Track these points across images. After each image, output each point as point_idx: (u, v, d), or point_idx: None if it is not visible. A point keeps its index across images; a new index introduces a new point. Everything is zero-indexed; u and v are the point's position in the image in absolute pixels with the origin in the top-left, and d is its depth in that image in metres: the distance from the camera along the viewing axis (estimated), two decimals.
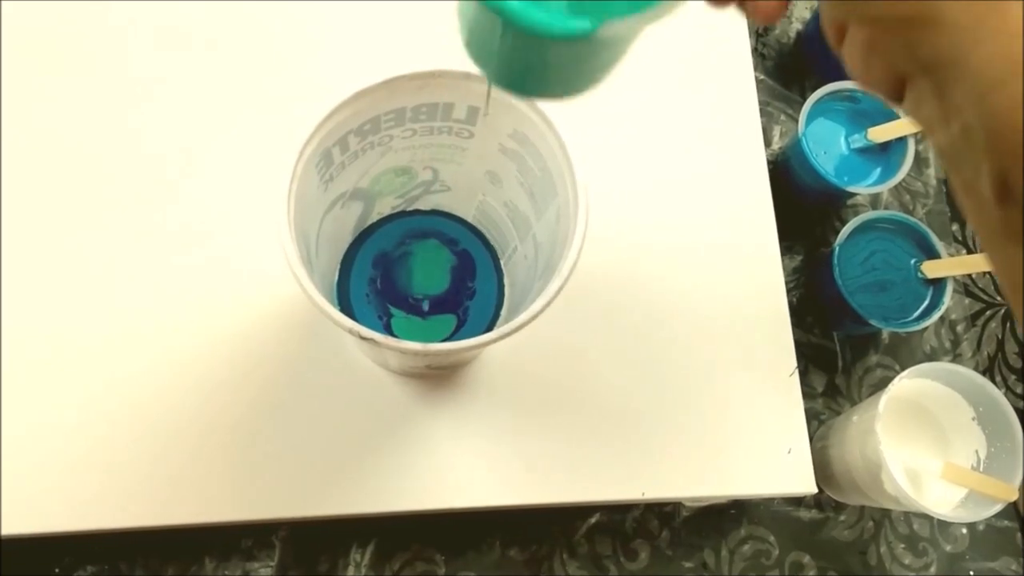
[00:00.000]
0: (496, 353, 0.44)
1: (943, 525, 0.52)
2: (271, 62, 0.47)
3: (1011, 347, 0.56)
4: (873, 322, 0.48)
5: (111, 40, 0.47)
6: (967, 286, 0.57)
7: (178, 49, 0.47)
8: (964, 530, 0.52)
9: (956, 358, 0.55)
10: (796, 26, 0.60)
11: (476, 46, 0.24)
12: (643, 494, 0.43)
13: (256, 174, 0.44)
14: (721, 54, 0.52)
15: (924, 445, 0.46)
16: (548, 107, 0.34)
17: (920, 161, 0.59)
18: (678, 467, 0.44)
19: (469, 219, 0.45)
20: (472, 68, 0.33)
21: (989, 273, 0.57)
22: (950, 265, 0.49)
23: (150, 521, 0.40)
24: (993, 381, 0.45)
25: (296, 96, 0.45)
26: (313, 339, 0.43)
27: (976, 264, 0.49)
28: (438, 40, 0.50)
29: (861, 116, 0.53)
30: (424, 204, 0.45)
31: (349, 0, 0.49)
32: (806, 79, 0.59)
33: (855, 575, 0.50)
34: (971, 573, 0.51)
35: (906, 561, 0.51)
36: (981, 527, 0.52)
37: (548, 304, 0.31)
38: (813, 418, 0.52)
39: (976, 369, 0.53)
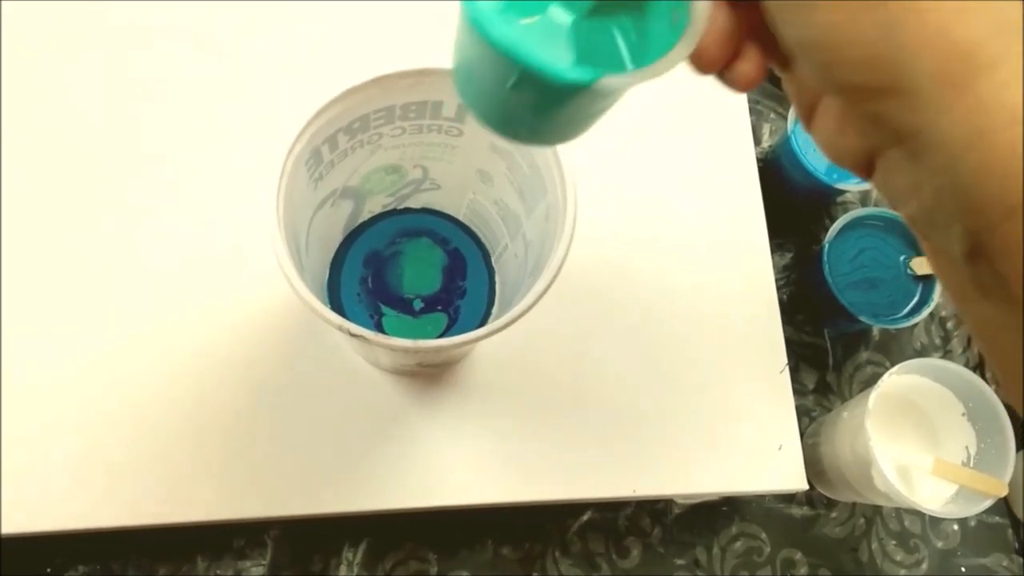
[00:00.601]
0: (487, 351, 0.44)
1: (934, 521, 0.52)
2: (263, 61, 0.47)
3: None
4: (863, 319, 0.49)
5: (106, 40, 0.47)
6: None
7: (171, 49, 0.47)
8: (955, 526, 0.52)
9: (946, 354, 0.55)
10: None
11: (473, 86, 0.24)
12: (634, 491, 0.43)
13: (247, 173, 0.44)
14: None
15: (914, 441, 0.47)
16: None
17: None
18: (669, 464, 0.44)
19: (460, 217, 0.46)
20: None
21: None
22: None
23: (141, 520, 0.39)
24: (983, 377, 0.45)
25: (286, 94, 0.45)
26: (305, 338, 0.43)
27: None
28: (427, 38, 0.50)
29: None
30: (415, 202, 0.45)
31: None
32: None
33: (847, 572, 0.50)
34: (963, 569, 0.51)
35: (897, 558, 0.51)
36: (972, 523, 0.52)
37: (537, 300, 0.31)
38: (804, 415, 0.52)
39: (966, 365, 0.53)
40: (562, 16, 0.22)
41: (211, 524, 0.41)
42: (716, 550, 0.49)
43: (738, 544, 0.49)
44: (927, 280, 0.50)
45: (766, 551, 0.50)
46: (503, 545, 0.47)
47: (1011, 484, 0.43)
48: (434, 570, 0.46)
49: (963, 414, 0.45)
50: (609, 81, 0.21)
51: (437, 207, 0.45)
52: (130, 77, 0.46)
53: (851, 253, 0.51)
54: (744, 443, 0.44)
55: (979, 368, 0.55)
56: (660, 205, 0.48)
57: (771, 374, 0.46)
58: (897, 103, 0.19)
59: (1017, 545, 0.52)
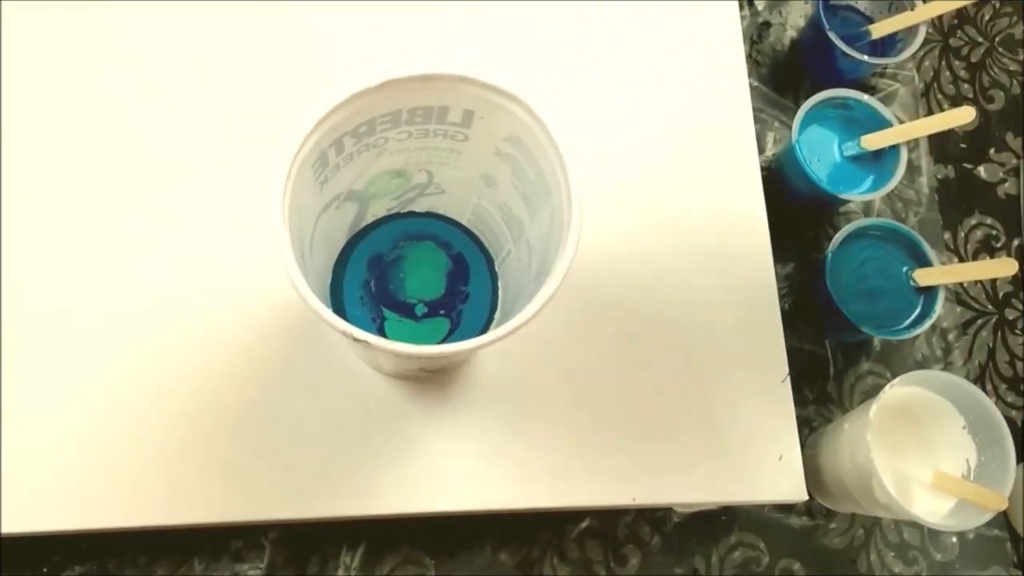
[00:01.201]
0: (489, 356, 0.44)
1: (933, 534, 0.52)
2: (268, 63, 0.47)
3: (1002, 356, 0.56)
4: (865, 329, 0.49)
5: (107, 42, 0.47)
6: (959, 294, 0.57)
7: (173, 51, 0.47)
8: (954, 539, 0.52)
9: (947, 366, 0.55)
10: (791, 33, 0.60)
11: None
12: (634, 499, 0.43)
13: (252, 175, 0.44)
14: (715, 61, 0.52)
15: (914, 453, 0.47)
16: (543, 111, 0.34)
17: (913, 169, 0.59)
18: (669, 472, 0.44)
19: (463, 222, 0.45)
20: (467, 71, 0.33)
21: (981, 282, 0.57)
22: (942, 273, 0.50)
23: (139, 522, 0.39)
24: (984, 390, 0.45)
25: (293, 97, 0.45)
26: (306, 340, 0.42)
27: (968, 272, 0.49)
28: (433, 42, 0.50)
29: (854, 124, 0.53)
30: (419, 206, 0.45)
31: (346, 0, 0.49)
32: (800, 86, 0.59)
33: None
34: None
35: (896, 570, 0.51)
36: (971, 536, 0.52)
37: (540, 309, 0.31)
38: (804, 425, 0.52)
39: (967, 377, 0.53)
40: None
41: (209, 526, 0.41)
42: (715, 559, 0.49)
43: (737, 554, 0.49)
44: (929, 292, 0.50)
45: (765, 561, 0.49)
46: (501, 550, 0.47)
47: (1011, 498, 0.43)
48: (431, 574, 0.46)
49: (964, 427, 0.45)
50: None
51: (441, 211, 0.45)
52: (131, 78, 0.46)
53: (853, 263, 0.51)
54: (744, 452, 0.44)
55: (980, 380, 0.55)
56: (663, 212, 0.48)
57: (772, 383, 0.46)
58: None
59: (1016, 559, 0.52)
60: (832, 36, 0.53)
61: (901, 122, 0.53)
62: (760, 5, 0.61)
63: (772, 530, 0.50)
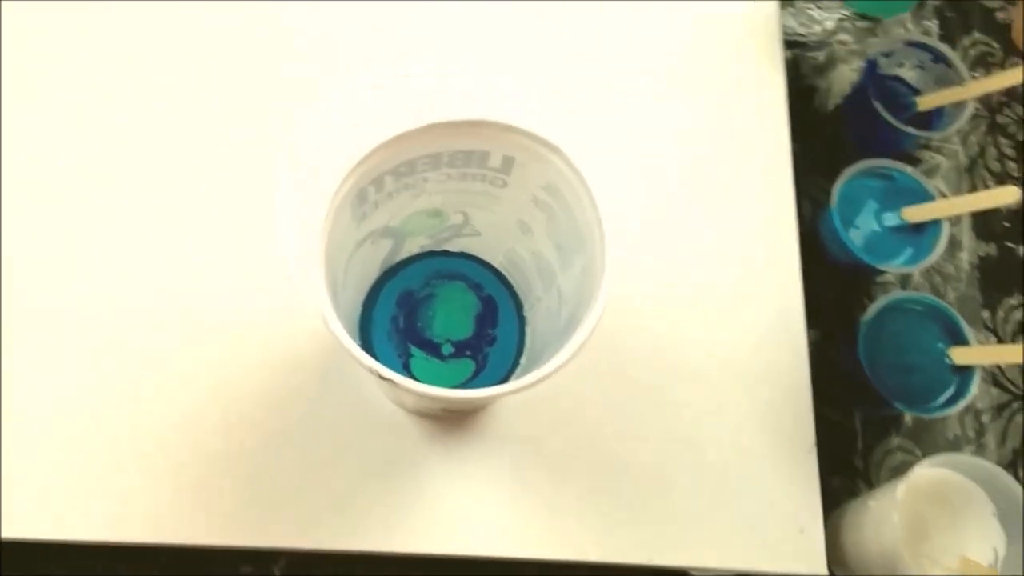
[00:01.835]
0: (511, 401, 0.43)
1: None
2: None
3: None
4: (896, 405, 0.48)
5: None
6: (995, 376, 0.56)
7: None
8: None
9: (979, 448, 0.54)
10: (835, 99, 0.60)
11: None
12: (650, 560, 0.42)
13: (290, 205, 0.45)
14: (758, 122, 0.52)
15: (941, 537, 0.45)
16: (582, 163, 0.34)
17: (954, 244, 0.58)
18: (687, 535, 0.43)
19: (496, 265, 0.46)
20: (510, 120, 0.34)
21: (1019, 365, 0.56)
22: (979, 353, 0.49)
23: (153, 539, 0.40)
24: (1016, 477, 0.44)
25: (336, 131, 0.46)
26: (331, 371, 0.43)
27: (1006, 354, 0.48)
28: (477, 86, 0.51)
29: (895, 194, 0.53)
30: (453, 246, 0.45)
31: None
32: (841, 152, 0.59)
33: None
34: None
35: None
36: None
37: (566, 363, 0.31)
38: (827, 497, 0.51)
39: (999, 463, 0.51)
40: None
41: (220, 548, 0.41)
42: None
43: None
44: (965, 371, 0.49)
45: None
46: None
47: None
48: None
49: (993, 513, 0.44)
50: None
51: (475, 253, 0.46)
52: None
53: (888, 336, 0.50)
54: (765, 521, 0.43)
55: (1012, 467, 0.54)
56: (697, 272, 0.48)
57: (797, 452, 0.45)
58: None
59: None
60: (877, 105, 0.53)
61: (944, 196, 0.52)
62: (805, 69, 0.61)
63: None
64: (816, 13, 0.63)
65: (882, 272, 0.52)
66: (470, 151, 0.35)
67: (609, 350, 0.45)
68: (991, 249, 0.59)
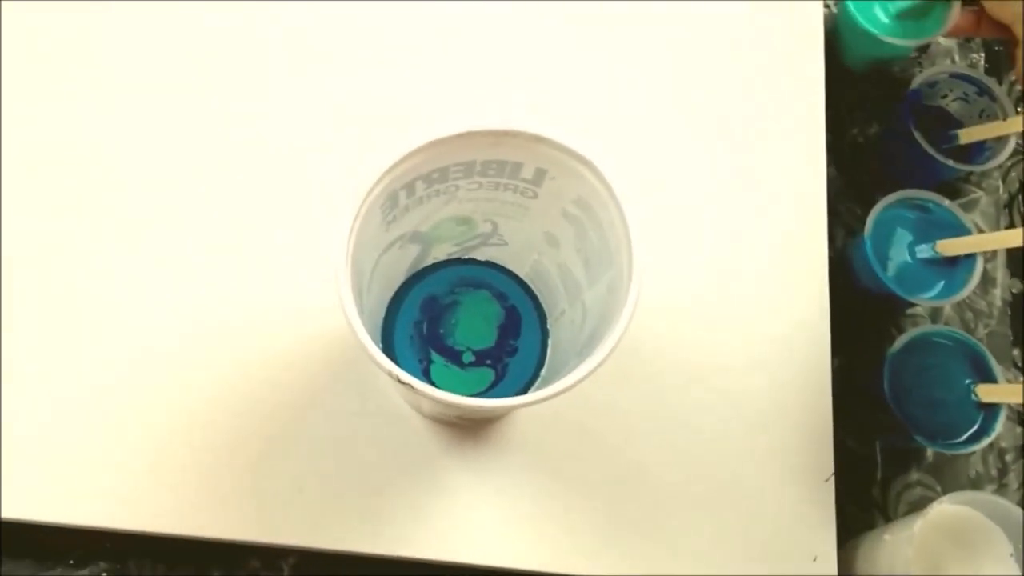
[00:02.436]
0: (529, 413, 0.43)
1: None
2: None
3: None
4: (919, 439, 0.47)
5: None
6: (1021, 415, 0.55)
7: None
8: None
9: (1001, 488, 0.53)
10: (874, 127, 0.60)
11: None
12: None
13: (319, 207, 0.45)
14: (794, 144, 0.52)
15: (956, 574, 0.44)
16: (613, 179, 0.34)
17: (987, 280, 0.57)
18: (699, 556, 0.43)
19: (522, 275, 0.46)
20: (544, 131, 0.34)
21: None
22: (1007, 391, 0.48)
23: (163, 528, 0.40)
24: None
25: (369, 135, 0.46)
26: (351, 371, 0.43)
27: None
28: (512, 100, 0.51)
29: (931, 226, 0.52)
30: (480, 254, 0.45)
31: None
32: (878, 181, 0.58)
33: None
34: None
35: None
36: None
37: (584, 378, 0.31)
38: (842, 527, 0.50)
39: (1021, 503, 0.50)
40: None
41: (230, 542, 0.41)
42: None
43: None
44: (991, 408, 0.48)
45: None
46: None
47: None
48: None
49: (1011, 555, 0.43)
50: None
51: (501, 262, 0.46)
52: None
53: (914, 369, 0.49)
54: (779, 548, 0.43)
55: None
56: (723, 292, 0.48)
57: (815, 481, 0.45)
58: None
59: None
60: (918, 136, 0.52)
61: (981, 231, 0.51)
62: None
63: None
64: None
65: (912, 304, 0.52)
66: (503, 161, 0.36)
67: (630, 367, 0.44)
68: None
